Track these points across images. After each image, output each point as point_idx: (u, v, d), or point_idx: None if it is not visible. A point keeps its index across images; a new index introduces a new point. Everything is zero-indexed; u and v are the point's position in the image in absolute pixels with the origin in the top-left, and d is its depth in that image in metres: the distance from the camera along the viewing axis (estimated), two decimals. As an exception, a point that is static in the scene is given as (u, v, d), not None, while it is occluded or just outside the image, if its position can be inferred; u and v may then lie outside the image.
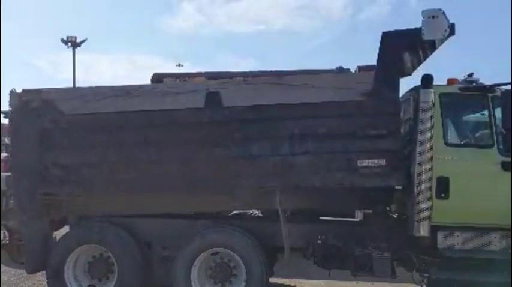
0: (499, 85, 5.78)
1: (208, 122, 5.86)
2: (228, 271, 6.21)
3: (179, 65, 41.61)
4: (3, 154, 10.92)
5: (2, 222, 7.28)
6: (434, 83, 5.72)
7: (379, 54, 5.71)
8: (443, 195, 5.65)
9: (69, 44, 28.63)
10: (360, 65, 6.55)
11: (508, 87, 5.77)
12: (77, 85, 23.66)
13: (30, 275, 6.91)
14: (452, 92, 5.88)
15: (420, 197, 5.60)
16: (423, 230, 5.62)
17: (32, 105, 6.13)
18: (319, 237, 6.07)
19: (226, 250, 6.12)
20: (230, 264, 6.22)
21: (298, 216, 6.54)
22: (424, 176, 5.59)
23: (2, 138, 12.46)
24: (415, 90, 6.03)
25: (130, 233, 6.35)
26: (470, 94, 5.87)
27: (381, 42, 5.68)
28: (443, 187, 5.65)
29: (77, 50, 28.91)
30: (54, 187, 6.11)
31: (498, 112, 5.74)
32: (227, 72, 6.96)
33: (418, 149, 5.61)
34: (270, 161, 5.78)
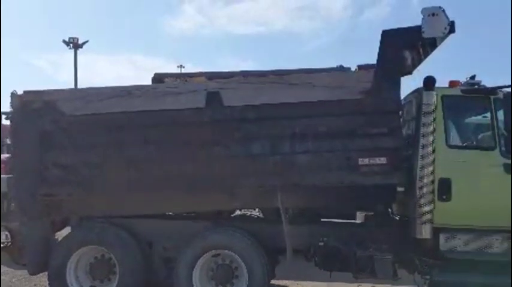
0: (501, 87, 5.78)
1: (209, 121, 5.86)
2: (230, 273, 6.20)
3: (180, 66, 41.64)
4: (4, 155, 10.91)
5: (3, 224, 7.28)
6: (437, 85, 5.72)
7: (379, 53, 5.70)
8: (445, 197, 5.65)
9: (71, 45, 28.63)
10: (360, 64, 6.55)
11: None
12: (78, 86, 23.66)
13: (32, 276, 6.90)
14: (455, 94, 5.87)
15: (422, 199, 5.60)
16: (425, 232, 5.62)
17: (32, 106, 6.13)
18: (320, 239, 6.07)
19: (228, 251, 6.11)
20: (232, 266, 6.21)
21: (299, 218, 6.53)
22: (426, 178, 5.60)
23: (4, 139, 12.45)
24: (417, 92, 6.03)
25: (131, 234, 6.35)
26: (472, 96, 5.87)
27: (381, 41, 5.68)
28: (445, 188, 5.65)
29: (78, 51, 28.93)
30: (55, 187, 6.11)
31: (500, 114, 5.75)
32: (227, 72, 6.96)
33: (420, 151, 5.62)
34: (271, 160, 5.77)
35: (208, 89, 5.93)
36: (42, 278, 7.04)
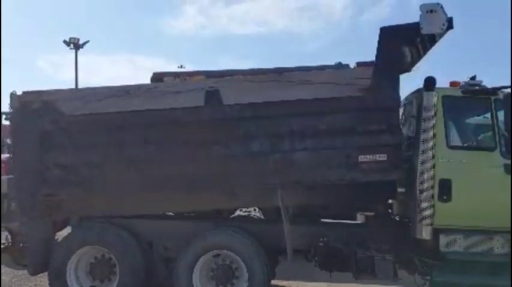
0: (501, 88, 5.78)
1: (208, 120, 5.85)
2: (230, 273, 6.20)
3: (181, 67, 41.50)
4: (4, 155, 10.91)
5: (3, 224, 7.28)
6: (437, 85, 5.72)
7: (377, 50, 5.68)
8: (445, 198, 5.64)
9: (72, 45, 28.61)
10: (359, 61, 6.55)
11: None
12: (78, 86, 23.65)
13: (33, 276, 6.91)
14: (455, 94, 5.87)
15: (422, 200, 5.60)
16: (425, 233, 5.62)
17: (32, 106, 6.13)
18: (320, 239, 6.07)
19: (228, 251, 6.12)
20: (232, 266, 6.21)
21: (299, 218, 6.53)
22: (426, 179, 5.59)
23: (4, 139, 12.45)
24: (417, 92, 6.03)
25: (131, 234, 6.36)
26: (472, 97, 5.86)
27: (380, 38, 5.66)
28: (445, 189, 5.64)
29: (79, 51, 28.90)
30: (55, 187, 6.10)
31: (501, 115, 5.74)
32: (226, 71, 6.95)
33: (421, 151, 5.61)
34: (271, 159, 5.75)
35: (207, 88, 5.91)
36: (43, 278, 7.04)
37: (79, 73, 30.89)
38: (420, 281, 6.03)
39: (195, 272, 6.10)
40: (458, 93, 5.86)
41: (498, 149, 5.71)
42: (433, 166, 5.60)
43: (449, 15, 5.50)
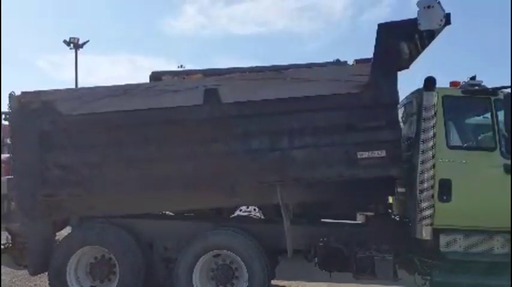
0: (501, 88, 5.78)
1: (207, 118, 5.84)
2: (230, 273, 6.20)
3: (181, 67, 41.50)
4: (4, 155, 10.90)
5: (3, 225, 7.27)
6: (437, 85, 5.72)
7: (375, 46, 5.66)
8: (445, 198, 5.65)
9: (72, 45, 28.61)
10: (358, 58, 6.54)
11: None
12: (79, 86, 23.64)
13: (33, 276, 6.91)
14: (455, 94, 5.87)
15: (422, 200, 5.60)
16: (425, 233, 5.62)
17: (31, 107, 6.11)
18: (320, 239, 6.08)
19: (228, 251, 6.12)
20: (232, 266, 6.22)
21: (300, 218, 6.53)
22: (426, 179, 5.59)
23: (5, 139, 12.43)
24: (417, 92, 6.03)
25: (131, 234, 6.36)
26: (472, 97, 5.86)
27: (377, 34, 5.64)
28: (445, 189, 5.65)
29: (79, 51, 28.90)
30: (55, 187, 6.09)
31: (501, 115, 5.74)
32: (225, 69, 6.94)
33: (421, 151, 5.61)
34: (270, 156, 5.75)
35: (206, 86, 5.90)
36: (43, 278, 7.05)
37: (79, 73, 30.96)
38: (420, 281, 6.02)
39: (195, 272, 6.10)
40: (458, 93, 5.87)
41: (498, 149, 5.71)
42: (433, 166, 5.60)
43: (446, 11, 5.49)
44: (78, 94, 6.37)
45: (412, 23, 5.56)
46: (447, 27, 5.60)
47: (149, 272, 6.32)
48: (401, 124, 6.24)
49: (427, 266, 5.87)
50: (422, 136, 5.62)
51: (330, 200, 6.51)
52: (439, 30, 5.67)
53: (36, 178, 6.06)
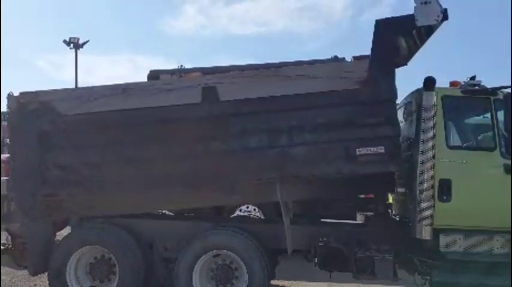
0: (501, 88, 5.78)
1: (206, 116, 5.83)
2: (230, 273, 6.20)
3: (181, 67, 41.53)
4: (4, 155, 10.89)
5: (3, 226, 7.28)
6: (437, 85, 5.71)
7: (373, 42, 5.66)
8: (445, 198, 5.65)
9: (72, 45, 28.59)
10: (356, 55, 6.53)
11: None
12: (78, 86, 23.62)
13: (33, 276, 6.91)
14: (455, 94, 5.87)
15: (422, 200, 5.60)
16: (425, 233, 5.62)
17: (30, 107, 6.10)
18: (320, 239, 6.07)
19: (228, 252, 6.11)
20: (232, 266, 6.21)
21: (300, 218, 6.53)
22: (426, 179, 5.59)
23: (4, 139, 12.42)
24: (417, 92, 6.03)
25: (131, 234, 6.35)
26: (472, 97, 5.87)
27: (375, 30, 5.64)
28: (445, 189, 5.64)
29: (79, 51, 28.87)
30: (55, 187, 6.09)
31: (501, 115, 5.74)
32: (223, 67, 6.94)
33: (421, 151, 5.61)
34: (269, 154, 5.74)
35: (204, 85, 5.89)
36: (43, 278, 7.05)
37: (79, 73, 30.94)
38: (420, 281, 6.03)
39: (194, 272, 6.10)
40: (458, 93, 5.87)
41: (498, 149, 5.71)
42: (433, 166, 5.60)
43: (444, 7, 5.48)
44: (77, 94, 6.37)
45: (409, 19, 5.54)
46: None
47: (149, 272, 6.32)
48: (402, 124, 6.23)
49: (427, 266, 5.87)
50: (422, 136, 5.62)
51: (330, 198, 6.50)
52: (437, 26, 5.66)
53: (36, 178, 6.06)
